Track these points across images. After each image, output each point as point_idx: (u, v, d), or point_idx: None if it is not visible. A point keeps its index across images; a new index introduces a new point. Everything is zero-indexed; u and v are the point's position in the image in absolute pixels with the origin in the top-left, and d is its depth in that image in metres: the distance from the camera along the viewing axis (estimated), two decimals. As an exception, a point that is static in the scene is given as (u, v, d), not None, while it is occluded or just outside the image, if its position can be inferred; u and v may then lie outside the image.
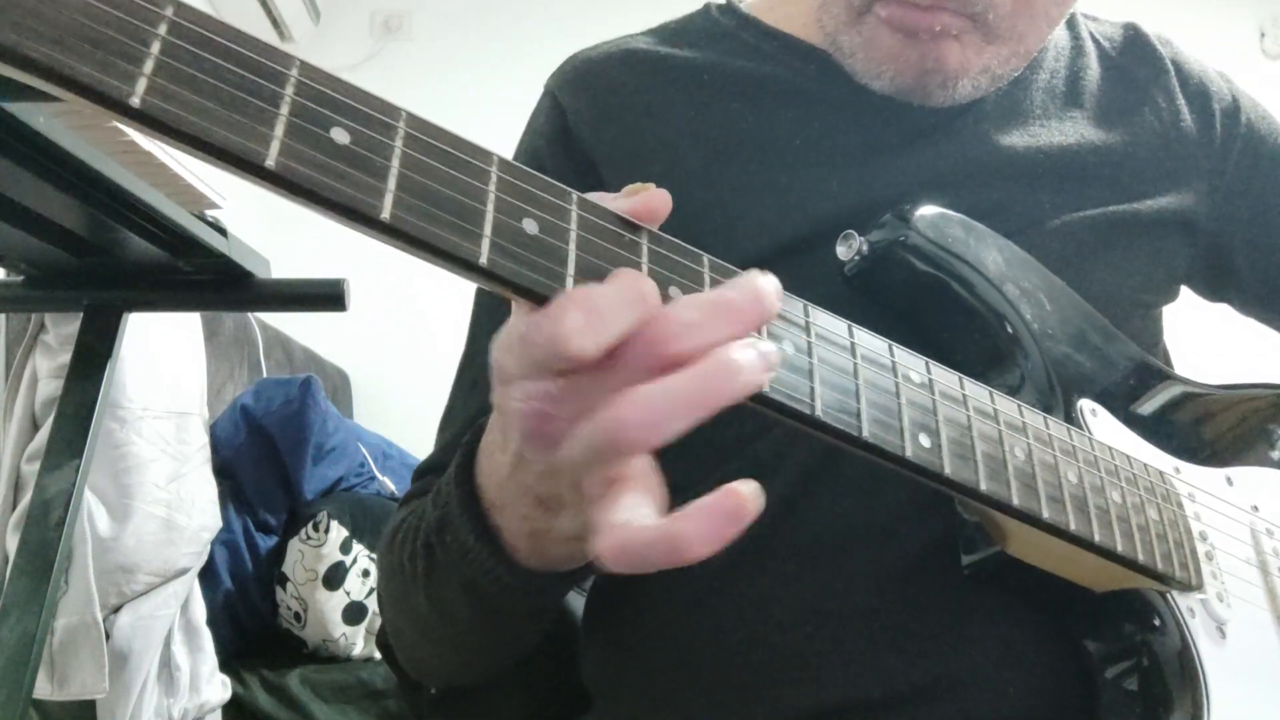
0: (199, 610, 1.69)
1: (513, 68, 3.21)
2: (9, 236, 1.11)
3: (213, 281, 1.25)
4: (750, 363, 0.43)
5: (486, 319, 0.83)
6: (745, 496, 0.41)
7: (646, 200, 0.48)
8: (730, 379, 0.42)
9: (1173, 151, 0.85)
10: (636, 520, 0.42)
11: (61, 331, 1.49)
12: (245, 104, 0.37)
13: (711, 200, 0.77)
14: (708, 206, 0.76)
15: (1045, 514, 0.57)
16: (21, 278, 1.25)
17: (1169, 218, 0.83)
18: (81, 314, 1.26)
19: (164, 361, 1.64)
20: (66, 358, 1.29)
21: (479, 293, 0.84)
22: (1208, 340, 1.81)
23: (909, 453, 0.51)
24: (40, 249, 1.16)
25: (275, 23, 3.18)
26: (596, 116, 0.82)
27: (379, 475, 2.31)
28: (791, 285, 0.51)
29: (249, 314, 2.37)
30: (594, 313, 0.41)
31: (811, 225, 0.74)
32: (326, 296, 1.29)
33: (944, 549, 0.68)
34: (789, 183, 0.77)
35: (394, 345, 3.14)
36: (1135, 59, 0.90)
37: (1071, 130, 0.83)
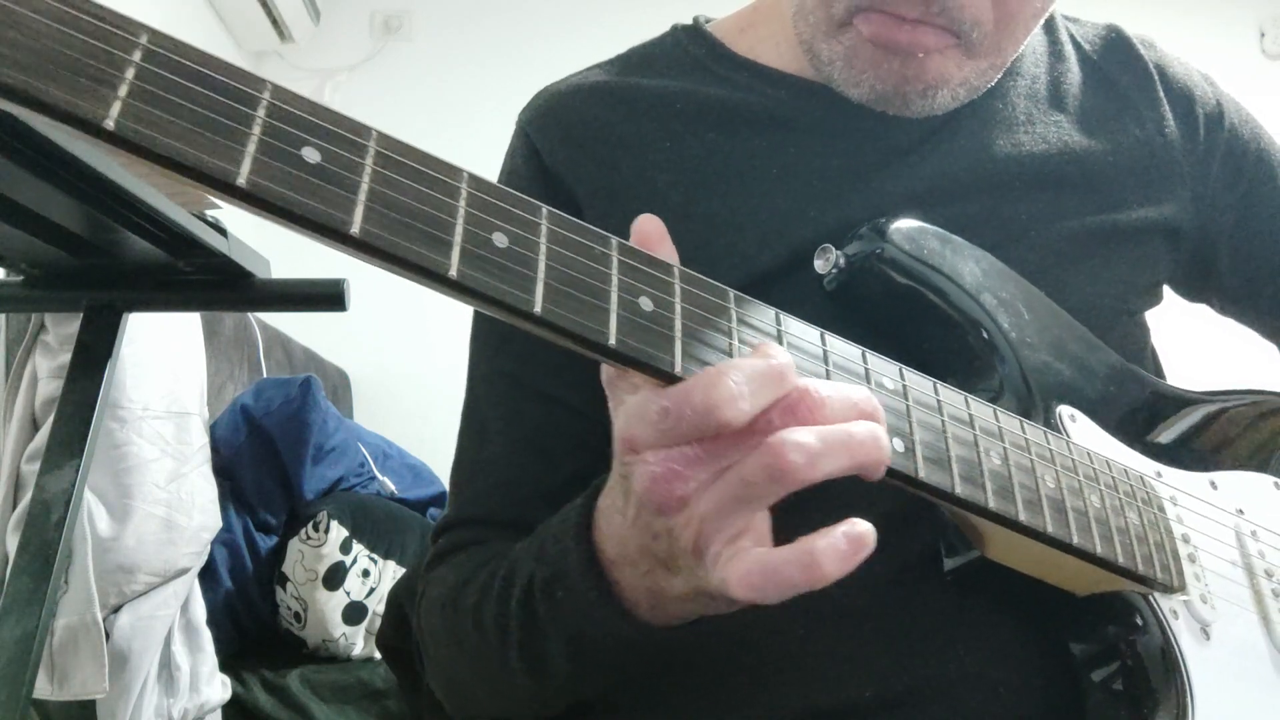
0: (199, 610, 1.70)
1: (513, 68, 3.21)
2: (9, 236, 1.12)
3: (213, 281, 1.25)
4: (887, 446, 0.50)
5: (484, 366, 0.83)
6: (866, 529, 0.48)
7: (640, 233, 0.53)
8: (874, 446, 0.49)
9: (1157, 159, 0.85)
10: (758, 551, 0.48)
11: (61, 331, 1.49)
12: (218, 125, 0.38)
13: (692, 233, 0.75)
14: (688, 240, 0.76)
15: (1021, 517, 0.58)
16: (21, 278, 1.26)
17: (1151, 226, 0.83)
18: (81, 314, 1.26)
19: (164, 361, 1.64)
20: (66, 358, 1.29)
21: (474, 343, 0.84)
22: (1197, 345, 1.81)
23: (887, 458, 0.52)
24: (40, 249, 1.16)
25: (275, 23, 3.18)
26: (572, 152, 0.82)
27: (379, 475, 2.31)
28: (773, 312, 0.52)
29: (249, 314, 2.37)
30: (742, 386, 0.46)
31: (791, 252, 0.74)
32: (326, 296, 1.29)
33: (934, 552, 0.68)
34: (767, 211, 0.77)
35: (394, 345, 3.14)
36: (1117, 63, 0.89)
37: (1055, 135, 0.83)
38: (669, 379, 0.48)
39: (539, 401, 0.79)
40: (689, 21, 0.91)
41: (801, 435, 0.47)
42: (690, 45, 0.88)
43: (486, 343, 0.83)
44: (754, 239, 0.75)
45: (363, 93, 3.41)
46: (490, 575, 0.68)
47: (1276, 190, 0.91)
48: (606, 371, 0.55)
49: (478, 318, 0.85)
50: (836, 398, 0.49)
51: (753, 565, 0.48)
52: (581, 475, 0.79)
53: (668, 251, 0.54)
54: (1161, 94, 0.88)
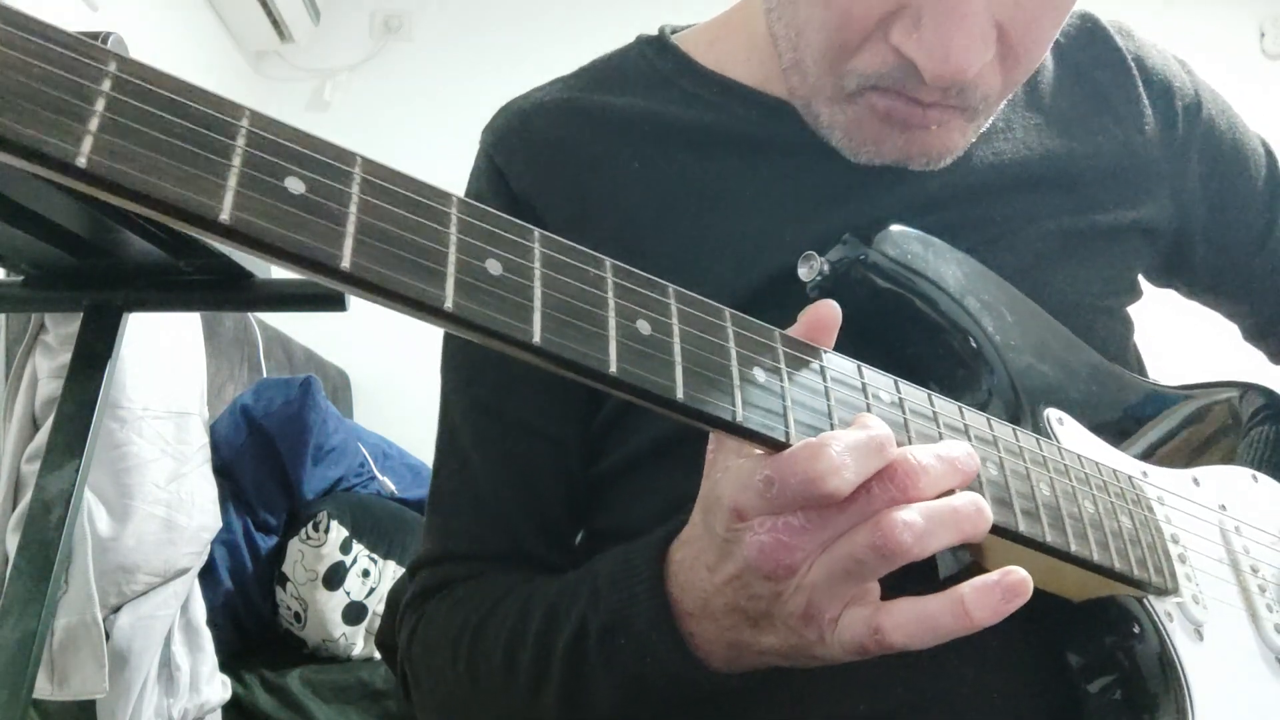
0: (199, 610, 1.70)
1: (512, 68, 3.21)
2: (9, 236, 1.12)
3: (213, 281, 1.25)
4: (989, 515, 0.52)
5: (459, 396, 0.82)
6: (1022, 578, 0.50)
7: (814, 319, 0.56)
8: (979, 517, 0.52)
9: (1136, 159, 0.84)
10: (910, 600, 0.51)
11: (61, 331, 1.49)
12: (196, 157, 0.36)
13: (665, 258, 0.74)
14: (662, 264, 0.74)
15: (1021, 527, 0.57)
16: (21, 278, 1.26)
17: (1130, 226, 0.83)
18: (81, 314, 1.26)
19: (164, 361, 1.64)
20: (66, 358, 1.29)
21: (446, 371, 0.83)
22: (1178, 338, 1.81)
23: None
24: (40, 249, 1.16)
25: (275, 23, 3.19)
26: (539, 176, 0.79)
27: (379, 475, 2.31)
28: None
29: (249, 314, 2.37)
30: (844, 457, 0.48)
31: (766, 278, 0.73)
32: (326, 296, 1.29)
33: (927, 564, 0.68)
34: (741, 235, 0.75)
35: (394, 345, 3.13)
36: (1093, 57, 0.88)
37: (1035, 140, 0.82)
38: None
39: (518, 432, 0.78)
40: (654, 32, 0.88)
41: (909, 515, 0.49)
42: (656, 59, 0.85)
43: (459, 372, 0.82)
44: (730, 264, 0.74)
45: (363, 93, 3.41)
46: (520, 617, 0.68)
47: (1249, 181, 0.91)
48: (713, 439, 0.56)
49: (448, 345, 0.83)
50: (936, 465, 0.51)
51: (909, 615, 0.51)
52: (567, 502, 0.79)
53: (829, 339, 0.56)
54: (1140, 88, 0.87)
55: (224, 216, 0.36)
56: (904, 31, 0.66)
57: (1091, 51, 0.88)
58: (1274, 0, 3.42)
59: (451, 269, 0.41)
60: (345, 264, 0.38)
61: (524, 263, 0.44)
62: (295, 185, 0.38)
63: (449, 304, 0.40)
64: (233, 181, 0.36)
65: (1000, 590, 0.50)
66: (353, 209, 0.39)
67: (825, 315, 0.56)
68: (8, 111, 0.32)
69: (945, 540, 0.50)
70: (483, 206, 0.44)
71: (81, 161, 0.33)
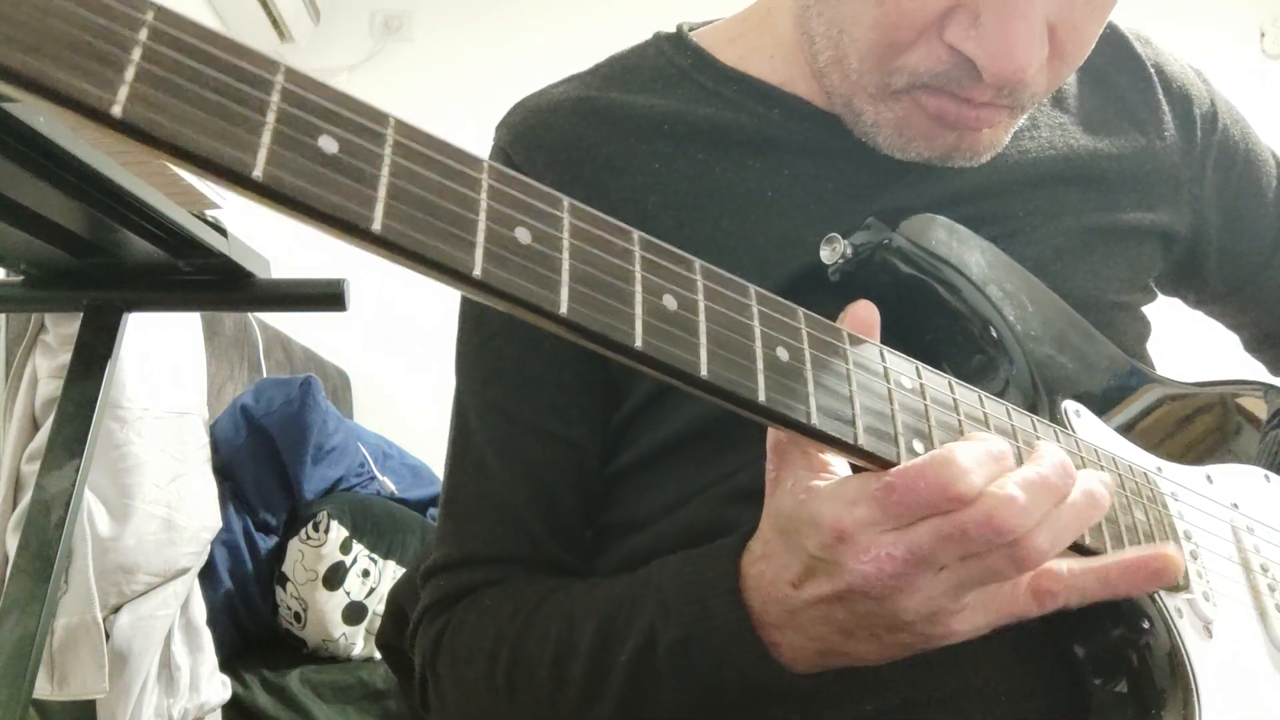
0: (199, 610, 1.70)
1: (513, 68, 3.21)
2: (9, 236, 1.12)
3: (213, 281, 1.25)
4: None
5: (475, 397, 0.81)
6: (1173, 560, 0.55)
7: (854, 319, 0.57)
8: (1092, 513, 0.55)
9: (1157, 165, 0.85)
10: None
11: (61, 331, 1.49)
12: (231, 112, 0.35)
13: None
14: None
15: None
16: (21, 278, 1.26)
17: (1149, 229, 0.83)
18: (81, 314, 1.26)
19: (164, 361, 1.64)
20: (66, 358, 1.29)
21: (461, 373, 0.83)
22: (1187, 338, 1.82)
23: (904, 459, 0.52)
24: (40, 249, 1.16)
25: (275, 22, 3.18)
26: (557, 175, 0.78)
27: (379, 475, 2.31)
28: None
29: (249, 314, 2.37)
30: (972, 462, 0.50)
31: (788, 281, 0.71)
32: (326, 296, 1.29)
33: None
34: (763, 238, 0.75)
35: (394, 345, 3.14)
36: (1114, 62, 0.88)
37: (1060, 139, 0.82)
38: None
39: (535, 436, 0.78)
40: (672, 29, 0.87)
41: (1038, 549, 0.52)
42: (675, 55, 0.84)
43: (474, 374, 0.81)
44: (752, 266, 0.72)
45: (363, 93, 3.39)
46: (566, 628, 0.68)
47: (1261, 191, 0.92)
48: (773, 435, 0.56)
49: (463, 344, 0.82)
50: (1040, 499, 0.52)
51: (1061, 585, 0.56)
52: (583, 505, 0.78)
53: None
54: (1160, 96, 0.87)
55: (257, 173, 0.35)
56: (961, 30, 0.66)
57: (1112, 57, 0.88)
58: (1274, 0, 3.42)
59: (481, 236, 0.40)
60: (376, 226, 0.37)
61: (553, 232, 0.43)
62: (328, 144, 0.37)
63: (478, 271, 0.40)
64: (267, 138, 0.36)
65: (1144, 570, 0.55)
66: (384, 171, 0.38)
67: (864, 317, 0.57)
68: (45, 58, 0.32)
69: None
70: (513, 173, 0.43)
71: (116, 111, 0.33)
